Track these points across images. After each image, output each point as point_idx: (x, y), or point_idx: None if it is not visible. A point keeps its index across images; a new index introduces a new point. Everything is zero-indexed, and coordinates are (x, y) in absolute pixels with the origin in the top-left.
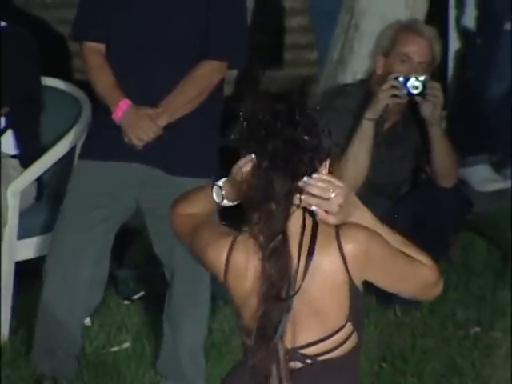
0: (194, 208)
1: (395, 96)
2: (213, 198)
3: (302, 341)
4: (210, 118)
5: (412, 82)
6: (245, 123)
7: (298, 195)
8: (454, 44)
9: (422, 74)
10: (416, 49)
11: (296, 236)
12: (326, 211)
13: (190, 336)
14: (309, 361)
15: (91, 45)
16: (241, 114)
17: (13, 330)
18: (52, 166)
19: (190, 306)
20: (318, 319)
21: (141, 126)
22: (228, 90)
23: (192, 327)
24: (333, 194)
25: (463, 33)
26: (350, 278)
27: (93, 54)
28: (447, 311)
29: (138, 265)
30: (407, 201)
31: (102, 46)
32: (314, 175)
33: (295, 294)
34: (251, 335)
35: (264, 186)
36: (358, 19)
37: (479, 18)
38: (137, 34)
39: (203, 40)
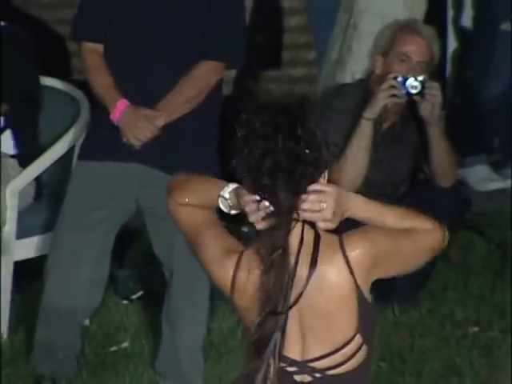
0: (196, 199)
1: (394, 96)
2: (218, 203)
3: (312, 354)
4: (208, 118)
5: (411, 81)
6: (243, 137)
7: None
8: (452, 44)
9: (420, 74)
10: (415, 48)
11: (298, 249)
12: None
13: (188, 336)
14: (318, 375)
15: (89, 45)
16: (239, 127)
17: (12, 330)
18: (51, 165)
19: (188, 305)
20: (327, 331)
21: (138, 126)
22: (226, 90)
23: (191, 327)
24: (324, 205)
25: (461, 33)
26: (358, 286)
27: (91, 55)
28: (446, 311)
29: (137, 265)
30: (406, 200)
31: (100, 47)
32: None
33: (291, 307)
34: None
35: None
36: (357, 19)
37: (476, 18)
38: (136, 33)
39: (202, 40)
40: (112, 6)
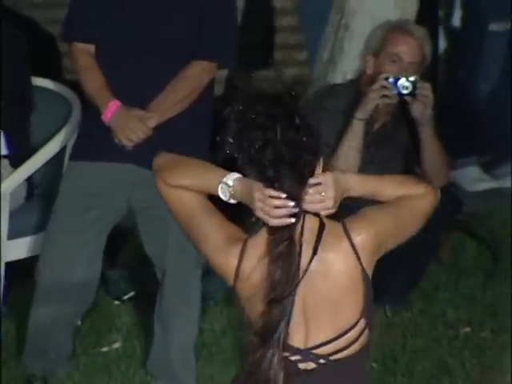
0: (189, 182)
1: (385, 96)
2: (217, 192)
3: (316, 340)
4: (200, 118)
5: (402, 82)
6: (240, 128)
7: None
8: (442, 44)
9: (412, 74)
10: (406, 49)
11: (304, 238)
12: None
13: (180, 336)
14: (322, 361)
15: (81, 45)
16: (232, 118)
17: (4, 330)
18: (42, 166)
19: (180, 305)
20: (333, 317)
21: (130, 126)
22: (218, 90)
23: (183, 327)
24: (323, 194)
25: (450, 33)
26: (364, 270)
27: (82, 55)
28: (437, 311)
29: (129, 265)
30: None
31: (91, 47)
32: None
33: (293, 292)
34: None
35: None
36: (348, 19)
37: (464, 18)
38: (128, 33)
39: (195, 40)
40: (104, 6)
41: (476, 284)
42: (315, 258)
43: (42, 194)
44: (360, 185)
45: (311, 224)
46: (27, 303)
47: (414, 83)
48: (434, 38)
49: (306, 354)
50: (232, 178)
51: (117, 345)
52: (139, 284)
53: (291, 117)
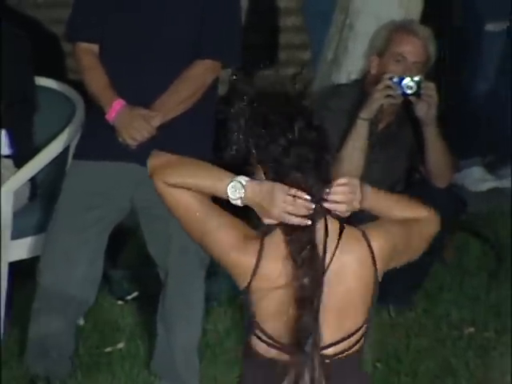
0: (192, 182)
1: (390, 96)
2: (225, 191)
3: (323, 342)
4: (203, 118)
5: (406, 81)
6: (256, 129)
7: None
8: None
9: (416, 74)
10: (410, 49)
11: (325, 240)
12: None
13: (184, 336)
14: (327, 361)
15: (84, 45)
16: (244, 118)
17: (6, 331)
18: (45, 166)
19: (184, 306)
20: (341, 319)
21: (135, 126)
22: (222, 90)
23: (186, 328)
24: (355, 195)
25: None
26: (376, 275)
27: (86, 55)
28: (441, 311)
29: (132, 265)
30: None
31: (95, 47)
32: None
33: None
34: (277, 344)
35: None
36: (353, 19)
37: (461, 18)
38: (131, 33)
39: (198, 39)
40: (107, 6)
41: (480, 284)
42: (333, 259)
43: (45, 195)
44: (373, 197)
45: (332, 226)
46: (29, 303)
47: (418, 83)
48: (438, 37)
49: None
50: (244, 179)
51: (120, 345)
52: (142, 284)
53: (309, 117)
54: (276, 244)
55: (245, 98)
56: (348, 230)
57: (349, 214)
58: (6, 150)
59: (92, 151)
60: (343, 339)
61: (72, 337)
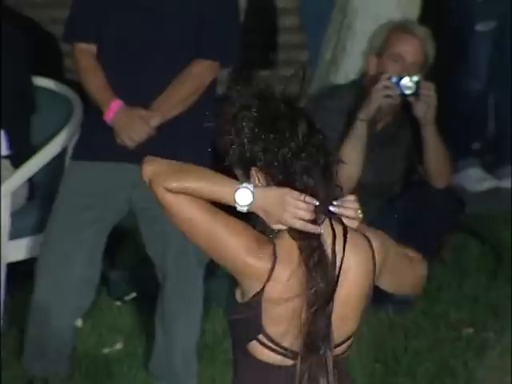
0: (195, 184)
1: (388, 96)
2: (231, 199)
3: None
4: (202, 118)
5: (405, 82)
6: (263, 133)
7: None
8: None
9: (414, 74)
10: (408, 49)
11: (330, 244)
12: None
13: (182, 337)
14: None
15: (82, 46)
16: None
17: (4, 331)
18: (43, 166)
19: (182, 306)
20: (342, 324)
21: (133, 126)
22: (221, 90)
23: (185, 328)
24: (359, 211)
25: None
26: (373, 281)
27: (84, 55)
28: (440, 312)
29: (130, 266)
30: (399, 201)
31: (93, 47)
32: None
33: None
34: (281, 349)
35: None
36: (351, 19)
37: (452, 18)
38: (129, 33)
39: (196, 40)
40: (105, 6)
41: (479, 285)
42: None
43: (43, 195)
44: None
45: (337, 229)
46: (27, 304)
47: (416, 83)
48: (437, 38)
49: None
50: (251, 185)
51: (118, 346)
52: (141, 285)
53: (312, 120)
54: (286, 248)
55: (247, 101)
56: (351, 232)
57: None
58: (3, 151)
59: (90, 152)
60: (342, 342)
61: (70, 338)
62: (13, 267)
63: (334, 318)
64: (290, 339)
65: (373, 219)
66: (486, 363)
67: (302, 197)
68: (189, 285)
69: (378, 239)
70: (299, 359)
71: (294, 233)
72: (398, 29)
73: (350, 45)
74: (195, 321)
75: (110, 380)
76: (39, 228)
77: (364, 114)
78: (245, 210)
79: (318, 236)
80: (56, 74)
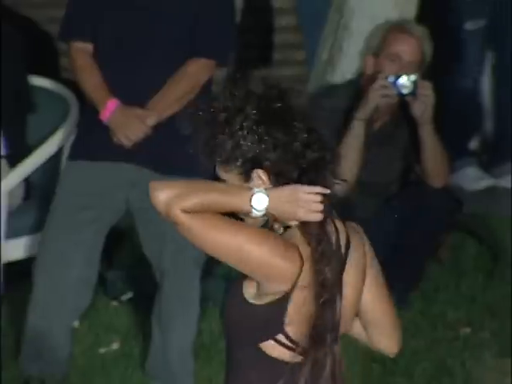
0: (209, 198)
1: (385, 95)
2: (247, 205)
3: None
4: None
5: (402, 81)
6: (266, 133)
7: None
8: None
9: (412, 74)
10: (405, 48)
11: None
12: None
13: (179, 337)
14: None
15: (78, 45)
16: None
17: (1, 331)
18: (40, 165)
19: (179, 306)
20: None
21: (129, 125)
22: (216, 89)
23: (181, 328)
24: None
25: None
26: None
27: (80, 54)
28: (437, 312)
29: (127, 265)
30: (397, 200)
31: (89, 46)
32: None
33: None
34: (294, 346)
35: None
36: (347, 18)
37: (441, 16)
38: (125, 32)
39: (191, 38)
40: (101, 5)
41: (476, 284)
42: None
43: (39, 194)
44: None
45: (339, 225)
46: (24, 304)
47: (414, 82)
48: (433, 37)
49: None
50: (262, 188)
51: (115, 346)
52: (137, 284)
53: (310, 118)
54: (304, 246)
55: (242, 102)
56: (349, 225)
57: None
58: (0, 150)
59: (87, 151)
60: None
61: (67, 338)
62: (10, 267)
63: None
64: (302, 336)
65: (370, 219)
66: (483, 363)
67: (312, 189)
68: (185, 284)
69: (366, 239)
70: (305, 351)
71: (307, 227)
72: (394, 28)
73: (346, 45)
74: (192, 320)
75: (107, 380)
76: (36, 227)
77: (361, 114)
78: (261, 214)
79: (324, 229)
80: (52, 73)
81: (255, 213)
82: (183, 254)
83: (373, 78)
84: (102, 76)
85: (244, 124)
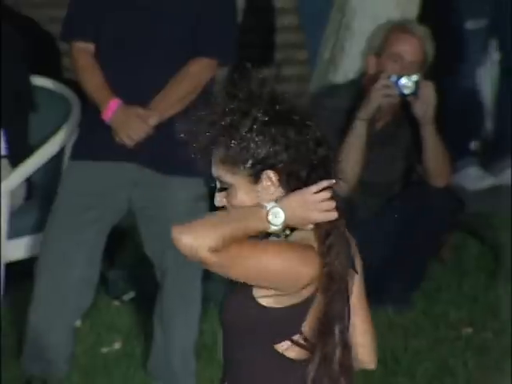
0: (228, 230)
1: (387, 95)
2: (265, 224)
3: None
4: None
5: (404, 81)
6: (277, 133)
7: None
8: None
9: (414, 74)
10: (407, 48)
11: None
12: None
13: (180, 337)
14: None
15: (80, 45)
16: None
17: (3, 331)
18: (42, 165)
19: (181, 306)
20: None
21: (131, 125)
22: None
23: (183, 328)
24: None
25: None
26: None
27: (82, 54)
28: (439, 312)
29: (129, 265)
30: (399, 200)
31: (90, 46)
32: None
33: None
34: (307, 345)
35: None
36: (349, 18)
37: (441, 16)
38: (127, 32)
39: (193, 38)
40: (103, 5)
41: (478, 284)
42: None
43: (41, 194)
44: None
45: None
46: (26, 304)
47: (416, 82)
48: (435, 37)
49: None
50: (272, 202)
51: (117, 345)
52: (139, 284)
53: (312, 116)
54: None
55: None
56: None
57: None
58: (1, 150)
59: (89, 151)
60: None
61: (69, 338)
62: (12, 267)
63: None
64: (311, 330)
65: (372, 219)
66: (485, 363)
67: (318, 186)
68: (187, 284)
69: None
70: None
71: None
72: (396, 28)
73: (348, 44)
74: (194, 320)
75: (109, 379)
76: (37, 227)
77: (363, 114)
78: (278, 229)
79: (333, 223)
80: (54, 73)
81: (274, 228)
82: None
83: (375, 78)
84: (104, 76)
85: (254, 127)
